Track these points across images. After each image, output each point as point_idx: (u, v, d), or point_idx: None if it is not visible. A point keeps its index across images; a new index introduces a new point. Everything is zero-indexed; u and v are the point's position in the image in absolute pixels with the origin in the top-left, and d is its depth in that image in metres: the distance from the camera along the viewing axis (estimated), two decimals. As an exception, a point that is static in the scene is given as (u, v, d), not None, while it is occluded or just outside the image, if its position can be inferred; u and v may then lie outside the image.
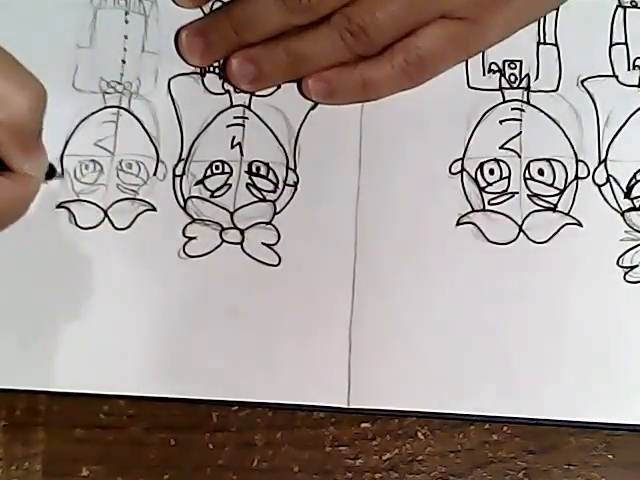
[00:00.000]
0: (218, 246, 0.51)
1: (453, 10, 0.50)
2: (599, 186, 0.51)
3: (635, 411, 0.47)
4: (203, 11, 0.55)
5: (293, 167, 0.52)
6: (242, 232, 0.51)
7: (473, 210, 0.51)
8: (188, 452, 0.49)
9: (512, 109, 0.52)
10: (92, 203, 0.53)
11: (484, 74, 0.53)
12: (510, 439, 0.48)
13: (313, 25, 0.51)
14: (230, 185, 0.52)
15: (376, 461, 0.49)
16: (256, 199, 0.52)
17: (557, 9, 0.53)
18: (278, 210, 0.52)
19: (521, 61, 0.53)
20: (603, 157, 0.51)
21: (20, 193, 0.47)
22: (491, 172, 0.51)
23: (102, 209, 0.53)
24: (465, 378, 0.48)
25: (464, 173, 0.51)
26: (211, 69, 0.54)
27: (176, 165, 0.53)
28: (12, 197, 0.46)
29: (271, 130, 0.53)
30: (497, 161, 0.51)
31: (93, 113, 0.54)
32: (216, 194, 0.52)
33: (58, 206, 0.53)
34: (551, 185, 0.51)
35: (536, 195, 0.51)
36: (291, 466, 0.49)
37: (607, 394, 0.48)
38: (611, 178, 0.51)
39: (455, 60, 0.52)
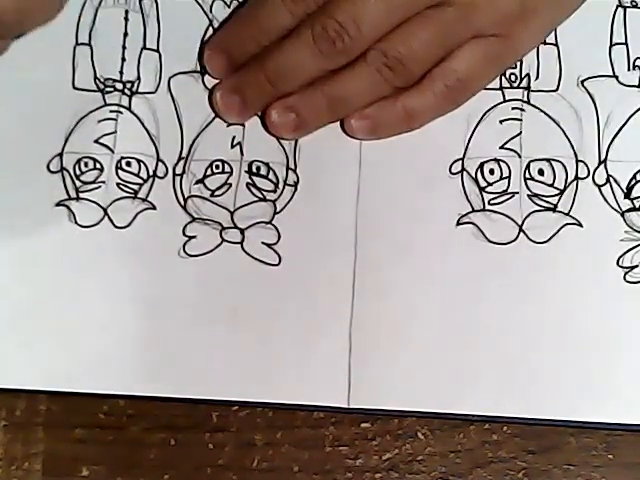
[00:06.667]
0: (218, 245, 0.51)
1: (484, 28, 0.50)
2: (599, 186, 0.51)
3: (635, 411, 0.47)
4: (212, 25, 0.54)
5: (293, 167, 0.52)
6: (242, 231, 0.51)
7: (473, 210, 0.51)
8: (188, 452, 0.49)
9: (512, 109, 0.52)
10: (92, 201, 0.53)
11: (484, 73, 0.53)
12: (510, 439, 0.49)
13: (348, 65, 0.50)
14: (230, 184, 0.52)
15: (376, 461, 0.49)
16: (256, 199, 0.52)
17: (557, 9, 0.53)
18: (278, 210, 0.52)
19: (521, 61, 0.53)
20: (603, 157, 0.51)
21: None
22: (491, 172, 0.51)
23: (102, 207, 0.52)
24: (465, 378, 0.49)
25: (464, 173, 0.51)
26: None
27: (176, 164, 0.53)
28: None
29: (271, 130, 0.53)
30: (497, 161, 0.51)
31: (93, 111, 0.54)
32: (216, 193, 0.52)
33: (57, 204, 0.53)
34: (551, 185, 0.51)
35: (536, 195, 0.51)
36: (291, 466, 0.49)
37: (607, 394, 0.48)
38: (611, 178, 0.51)
39: (493, 76, 0.52)
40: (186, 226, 0.52)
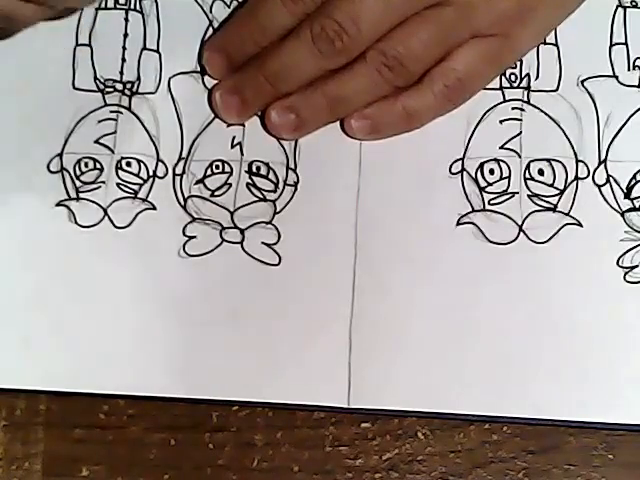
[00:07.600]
0: (218, 245, 0.51)
1: (484, 28, 0.50)
2: (599, 186, 0.51)
3: (635, 411, 0.47)
4: (212, 25, 0.54)
5: (293, 167, 0.52)
6: (242, 232, 0.51)
7: (473, 210, 0.51)
8: (188, 452, 0.49)
9: (512, 109, 0.52)
10: (92, 201, 0.53)
11: (484, 73, 0.53)
12: (510, 439, 0.49)
13: (348, 65, 0.50)
14: (230, 184, 0.52)
15: (376, 461, 0.49)
16: (256, 199, 0.52)
17: (557, 9, 0.53)
18: (278, 210, 0.52)
19: (521, 60, 0.53)
20: (603, 157, 0.51)
21: None
22: (491, 172, 0.51)
23: (102, 207, 0.52)
24: (465, 378, 0.48)
25: (464, 173, 0.51)
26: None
27: (176, 164, 0.53)
28: None
29: (271, 130, 0.53)
30: (497, 161, 0.51)
31: (93, 111, 0.54)
32: (216, 193, 0.52)
33: (58, 204, 0.53)
34: (551, 185, 0.51)
35: (536, 195, 0.51)
36: (291, 466, 0.49)
37: (607, 394, 0.48)
38: (611, 178, 0.51)
39: (493, 76, 0.52)
40: (186, 226, 0.52)
